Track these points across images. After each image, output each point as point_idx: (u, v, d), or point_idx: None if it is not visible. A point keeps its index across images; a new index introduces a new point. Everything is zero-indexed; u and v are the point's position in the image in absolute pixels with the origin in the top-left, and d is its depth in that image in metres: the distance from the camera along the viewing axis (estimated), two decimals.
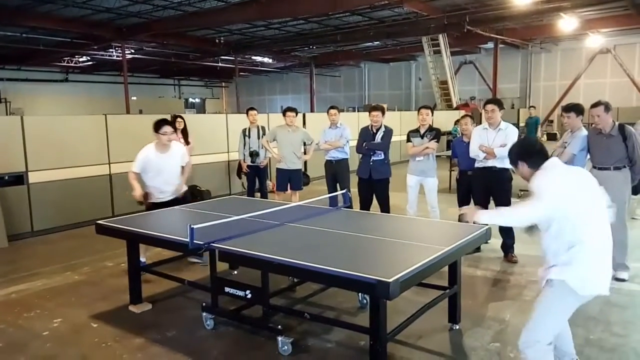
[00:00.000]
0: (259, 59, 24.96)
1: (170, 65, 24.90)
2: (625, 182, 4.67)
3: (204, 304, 3.86)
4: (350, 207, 5.29)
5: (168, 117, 7.95)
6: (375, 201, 6.21)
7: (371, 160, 6.09)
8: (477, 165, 5.49)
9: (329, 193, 6.22)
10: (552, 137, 21.15)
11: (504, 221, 2.86)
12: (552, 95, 22.45)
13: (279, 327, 3.48)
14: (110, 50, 20.91)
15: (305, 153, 7.46)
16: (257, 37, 20.31)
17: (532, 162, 2.79)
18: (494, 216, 2.91)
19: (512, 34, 18.69)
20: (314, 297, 4.36)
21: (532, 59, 22.80)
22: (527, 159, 2.81)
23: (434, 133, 5.97)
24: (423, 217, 5.67)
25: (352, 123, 9.81)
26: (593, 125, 4.85)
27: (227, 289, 3.64)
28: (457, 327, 3.78)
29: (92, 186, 7.57)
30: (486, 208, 5.47)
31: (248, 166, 7.79)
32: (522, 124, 15.58)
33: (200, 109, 33.29)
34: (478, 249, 5.53)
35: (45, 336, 3.84)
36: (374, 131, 6.16)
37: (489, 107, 5.40)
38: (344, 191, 5.25)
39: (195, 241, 3.36)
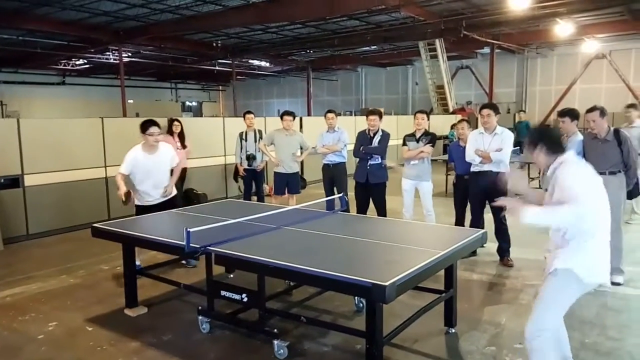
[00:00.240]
0: (256, 62, 24.98)
1: (167, 68, 24.88)
2: (621, 186, 4.70)
3: (200, 308, 3.85)
4: (347, 210, 5.30)
5: (165, 120, 7.99)
6: (372, 205, 6.22)
7: (368, 164, 6.11)
8: (473, 169, 5.51)
9: (326, 197, 6.23)
10: None
11: (548, 222, 2.76)
12: (548, 100, 22.54)
13: (275, 330, 3.47)
14: (107, 53, 20.89)
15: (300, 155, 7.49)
16: (255, 41, 20.33)
17: (551, 148, 2.80)
18: (538, 217, 2.68)
19: (508, 39, 18.80)
20: (310, 301, 4.36)
21: (528, 64, 22.90)
22: (547, 144, 2.81)
23: (430, 137, 6.00)
24: (419, 221, 5.68)
25: (349, 127, 9.82)
26: (588, 130, 4.88)
27: (223, 293, 3.63)
28: (453, 330, 3.79)
29: (88, 189, 7.55)
30: (482, 212, 5.51)
31: (245, 170, 7.79)
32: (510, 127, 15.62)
33: (197, 112, 33.26)
34: (474, 253, 5.54)
35: (40, 340, 3.82)
36: (371, 135, 6.18)
37: (485, 111, 5.43)
38: (340, 195, 5.26)
39: (191, 244, 3.35)
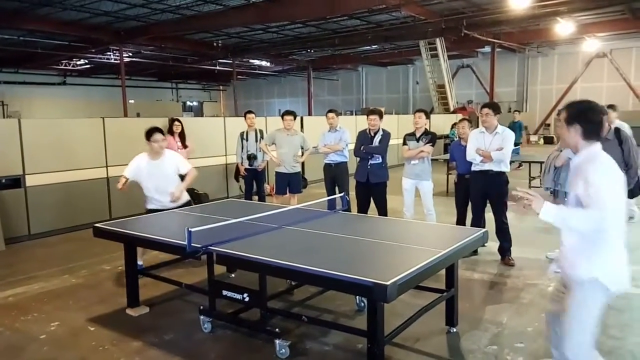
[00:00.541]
0: (256, 62, 25.01)
1: (168, 68, 24.93)
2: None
3: (201, 307, 3.85)
4: (348, 210, 5.30)
5: (166, 120, 8.00)
6: (372, 204, 6.23)
7: (369, 164, 6.11)
8: (473, 168, 5.50)
9: (327, 196, 6.23)
10: (548, 140, 21.26)
11: (569, 226, 2.52)
12: (549, 99, 22.56)
13: (277, 330, 3.48)
14: (108, 53, 20.94)
15: (301, 155, 7.49)
16: (255, 41, 20.35)
17: (588, 133, 2.52)
18: (558, 217, 2.48)
19: (509, 38, 18.80)
20: (311, 300, 4.36)
21: (529, 62, 22.91)
22: (585, 126, 2.52)
23: (430, 137, 6.00)
24: (420, 221, 5.68)
25: (350, 126, 9.82)
26: None
27: (224, 292, 3.63)
28: (455, 330, 3.78)
29: (90, 189, 7.56)
30: (483, 211, 5.51)
31: (246, 169, 7.79)
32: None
33: (198, 112, 33.32)
34: (475, 252, 5.54)
35: (42, 339, 3.83)
36: (372, 135, 6.18)
37: (484, 111, 5.43)
38: (342, 194, 5.26)
39: (193, 244, 3.36)
